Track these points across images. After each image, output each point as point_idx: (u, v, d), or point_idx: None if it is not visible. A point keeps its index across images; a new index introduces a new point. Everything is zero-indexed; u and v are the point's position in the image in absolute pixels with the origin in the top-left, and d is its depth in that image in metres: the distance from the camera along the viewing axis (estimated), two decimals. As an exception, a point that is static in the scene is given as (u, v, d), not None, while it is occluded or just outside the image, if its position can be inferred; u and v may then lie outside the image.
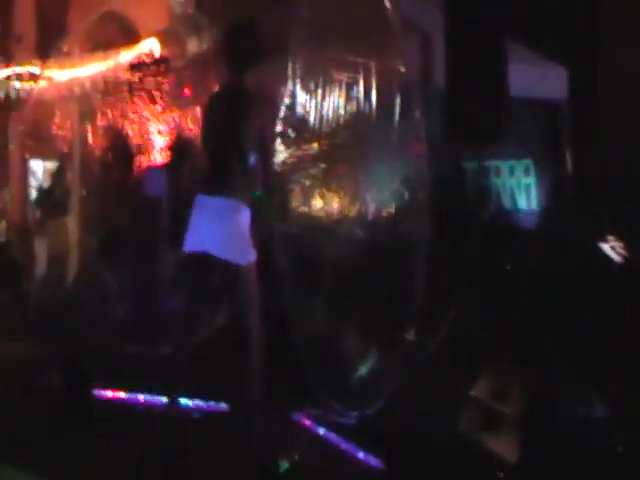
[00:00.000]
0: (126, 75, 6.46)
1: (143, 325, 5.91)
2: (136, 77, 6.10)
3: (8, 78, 10.66)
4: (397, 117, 4.94)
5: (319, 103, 4.94)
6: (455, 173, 6.10)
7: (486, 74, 5.73)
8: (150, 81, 6.51)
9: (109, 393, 5.03)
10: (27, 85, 10.49)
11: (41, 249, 8.41)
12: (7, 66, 10.90)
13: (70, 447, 4.11)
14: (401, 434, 4.15)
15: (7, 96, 10.74)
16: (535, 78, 6.49)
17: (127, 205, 4.62)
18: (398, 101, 4.92)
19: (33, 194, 10.47)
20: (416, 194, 4.96)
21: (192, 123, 6.03)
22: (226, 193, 3.88)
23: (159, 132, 6.51)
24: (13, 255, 8.99)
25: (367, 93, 4.97)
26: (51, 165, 9.67)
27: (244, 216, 3.94)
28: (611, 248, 5.09)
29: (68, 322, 6.10)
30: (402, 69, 4.87)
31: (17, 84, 10.59)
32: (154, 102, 6.51)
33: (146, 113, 6.52)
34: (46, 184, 9.13)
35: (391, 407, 4.48)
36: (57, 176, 8.53)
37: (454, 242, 5.23)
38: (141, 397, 4.97)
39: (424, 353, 4.81)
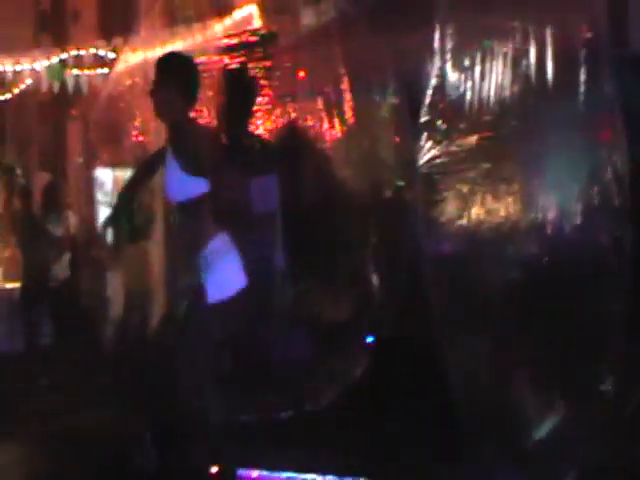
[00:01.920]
0: (222, 58, 6.80)
1: (252, 382, 6.18)
2: (236, 61, 6.44)
3: (63, 63, 11.07)
4: (582, 95, 4.98)
5: (477, 83, 5.04)
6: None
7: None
8: (255, 65, 6.88)
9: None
10: (89, 73, 10.99)
11: (116, 285, 8.78)
12: (62, 50, 11.17)
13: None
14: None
15: (63, 87, 11.24)
16: None
17: (229, 225, 5.00)
18: (583, 74, 4.96)
19: (103, 214, 10.92)
20: (610, 193, 4.98)
21: (311, 117, 6.34)
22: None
23: (270, 130, 6.83)
24: (81, 294, 9.37)
25: (541, 67, 5.02)
26: (124, 174, 10.08)
27: None
28: None
29: (158, 380, 6.45)
30: (587, 33, 4.98)
31: (76, 71, 11.11)
32: (261, 92, 6.85)
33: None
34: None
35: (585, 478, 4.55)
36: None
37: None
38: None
39: (628, 409, 4.88)
